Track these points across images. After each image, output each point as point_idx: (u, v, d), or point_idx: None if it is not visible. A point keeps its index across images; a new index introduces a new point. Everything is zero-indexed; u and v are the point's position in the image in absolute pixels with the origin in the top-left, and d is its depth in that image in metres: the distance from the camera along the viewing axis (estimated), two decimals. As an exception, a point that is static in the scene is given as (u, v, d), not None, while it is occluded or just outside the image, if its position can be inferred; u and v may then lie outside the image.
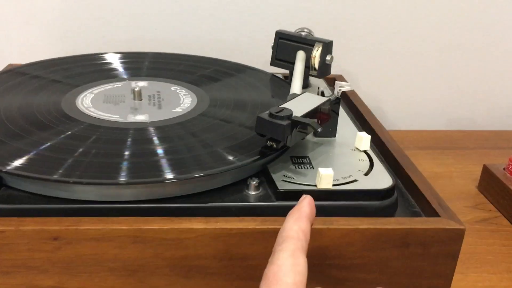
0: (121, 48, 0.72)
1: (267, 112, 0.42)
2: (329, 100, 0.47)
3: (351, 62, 0.81)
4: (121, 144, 0.44)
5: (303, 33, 0.60)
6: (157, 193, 0.40)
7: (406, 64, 0.82)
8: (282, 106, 0.43)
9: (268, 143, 0.43)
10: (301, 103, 0.45)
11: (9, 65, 0.68)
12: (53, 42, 0.75)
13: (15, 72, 0.59)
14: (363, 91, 0.80)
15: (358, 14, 0.78)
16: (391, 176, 0.44)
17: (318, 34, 0.61)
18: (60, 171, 0.40)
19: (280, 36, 0.61)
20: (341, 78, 0.71)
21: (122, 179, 0.39)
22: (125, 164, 0.41)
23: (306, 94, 0.48)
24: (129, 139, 0.45)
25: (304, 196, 0.37)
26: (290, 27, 0.62)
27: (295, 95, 0.48)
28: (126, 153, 0.43)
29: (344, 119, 0.55)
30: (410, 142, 0.77)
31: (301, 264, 0.31)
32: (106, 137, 0.45)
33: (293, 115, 0.42)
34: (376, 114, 0.83)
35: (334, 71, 0.62)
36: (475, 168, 0.68)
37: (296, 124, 0.42)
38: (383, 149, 0.53)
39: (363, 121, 0.59)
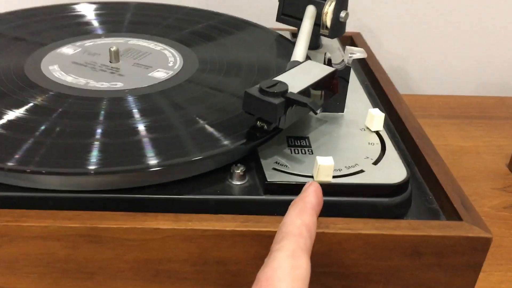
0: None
1: (257, 86, 0.35)
2: (336, 70, 0.39)
3: (373, 17, 0.73)
4: (90, 119, 0.37)
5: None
6: (121, 182, 0.34)
7: (434, 20, 0.74)
8: (276, 79, 0.36)
9: (258, 123, 0.36)
10: (300, 75, 0.37)
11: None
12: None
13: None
14: (385, 50, 0.73)
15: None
16: (405, 167, 0.37)
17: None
18: (16, 156, 0.33)
19: (288, -13, 0.52)
20: (359, 37, 0.62)
21: (89, 167, 0.33)
22: (91, 149, 0.34)
23: (309, 62, 0.40)
24: (101, 112, 0.38)
25: (309, 183, 0.31)
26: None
27: (295, 63, 0.40)
28: (96, 131, 0.36)
29: (355, 90, 0.47)
30: (435, 110, 0.69)
31: (301, 267, 0.26)
32: (74, 109, 0.39)
33: (288, 91, 0.34)
34: (400, 75, 0.76)
35: (353, 27, 0.54)
36: (507, 142, 0.61)
37: (291, 102, 0.34)
38: (400, 127, 0.45)
39: (379, 91, 0.51)
